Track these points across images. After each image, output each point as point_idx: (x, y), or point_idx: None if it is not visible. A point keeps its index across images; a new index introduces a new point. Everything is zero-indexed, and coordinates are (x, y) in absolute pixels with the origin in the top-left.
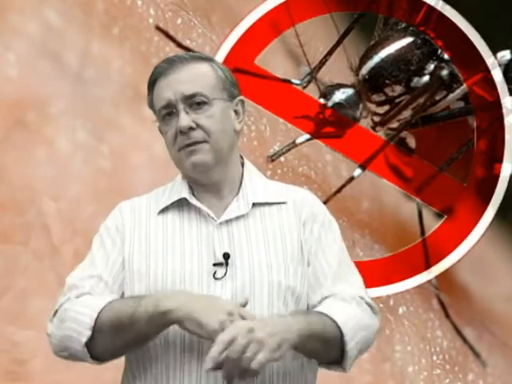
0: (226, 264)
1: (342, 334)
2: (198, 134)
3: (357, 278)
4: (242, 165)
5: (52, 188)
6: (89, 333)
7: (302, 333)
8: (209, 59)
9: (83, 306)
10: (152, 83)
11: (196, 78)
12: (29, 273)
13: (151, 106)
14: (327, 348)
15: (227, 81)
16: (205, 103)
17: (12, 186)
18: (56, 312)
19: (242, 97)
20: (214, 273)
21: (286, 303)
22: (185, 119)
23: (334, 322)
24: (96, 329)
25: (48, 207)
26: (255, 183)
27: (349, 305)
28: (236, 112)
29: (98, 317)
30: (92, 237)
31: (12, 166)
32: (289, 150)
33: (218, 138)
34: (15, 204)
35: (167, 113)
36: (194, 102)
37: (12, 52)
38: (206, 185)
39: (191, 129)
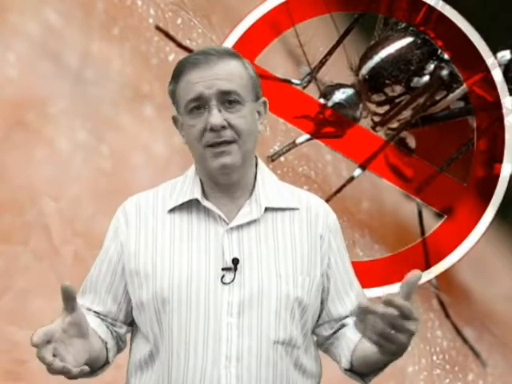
0: (235, 269)
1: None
2: (228, 134)
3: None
4: (256, 165)
5: (52, 188)
6: None
7: None
8: (239, 56)
9: None
10: (180, 73)
11: (232, 75)
12: (29, 273)
13: (173, 95)
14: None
15: (255, 81)
16: (238, 102)
17: (12, 186)
18: None
19: (264, 98)
20: (222, 277)
21: (292, 314)
22: (218, 117)
23: None
24: None
25: (48, 207)
26: (268, 185)
27: None
28: (259, 113)
29: None
30: (92, 237)
31: (12, 166)
32: (289, 149)
33: (246, 139)
34: (15, 204)
35: (196, 106)
36: (228, 99)
37: (12, 52)
38: (221, 184)
39: (223, 127)
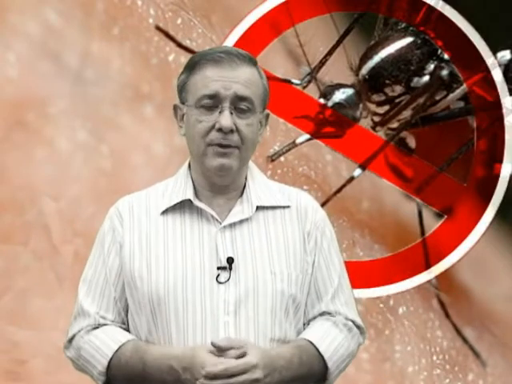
0: (230, 268)
1: (327, 368)
2: (234, 138)
3: (351, 295)
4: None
5: (52, 188)
6: (103, 378)
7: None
8: (256, 63)
9: (95, 348)
10: (197, 65)
11: (250, 82)
12: (29, 273)
13: (183, 84)
14: (308, 380)
15: (267, 92)
16: (249, 110)
17: (12, 186)
18: (72, 339)
19: (268, 111)
20: (217, 276)
21: (287, 311)
22: (229, 120)
23: (322, 356)
24: (109, 376)
25: (48, 207)
26: (258, 185)
27: (340, 332)
28: (260, 123)
29: (108, 367)
30: (92, 237)
31: (12, 166)
32: (289, 149)
33: (248, 147)
34: (15, 204)
35: (208, 103)
36: (241, 105)
37: (12, 52)
38: (215, 185)
39: (231, 131)
